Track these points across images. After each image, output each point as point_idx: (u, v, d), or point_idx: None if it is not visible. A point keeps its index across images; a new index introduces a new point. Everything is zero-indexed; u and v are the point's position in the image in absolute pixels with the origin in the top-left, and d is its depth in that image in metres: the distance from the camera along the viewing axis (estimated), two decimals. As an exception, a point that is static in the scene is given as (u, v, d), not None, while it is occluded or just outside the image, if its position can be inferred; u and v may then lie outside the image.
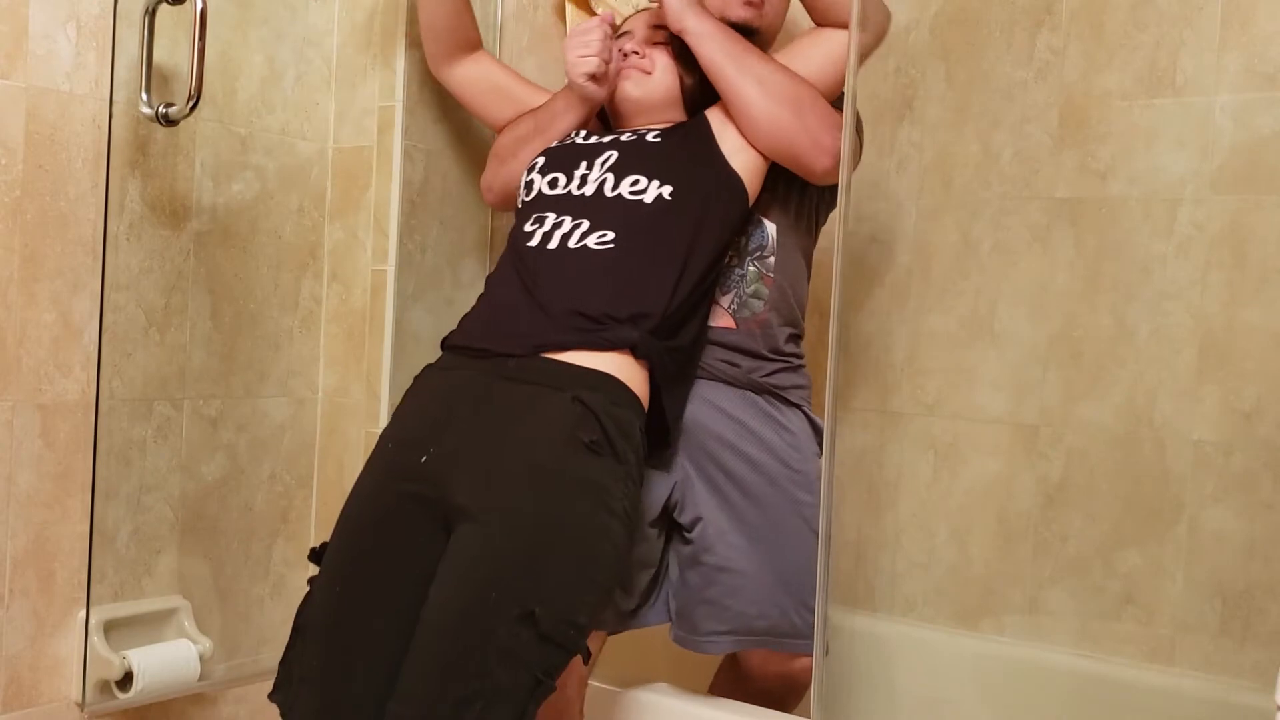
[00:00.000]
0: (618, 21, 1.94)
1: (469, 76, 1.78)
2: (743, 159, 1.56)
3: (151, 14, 1.52)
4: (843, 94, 1.58)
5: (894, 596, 2.21)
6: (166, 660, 1.56)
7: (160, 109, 1.54)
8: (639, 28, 1.69)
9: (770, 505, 1.61)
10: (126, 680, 1.52)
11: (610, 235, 1.45)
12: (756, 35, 1.75)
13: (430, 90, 1.87)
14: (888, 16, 1.70)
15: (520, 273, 1.47)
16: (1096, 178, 2.01)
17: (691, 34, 1.56)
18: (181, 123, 1.56)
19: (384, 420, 1.83)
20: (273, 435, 1.79)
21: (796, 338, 1.72)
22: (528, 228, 1.51)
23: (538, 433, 1.34)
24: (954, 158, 2.14)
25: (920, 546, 2.19)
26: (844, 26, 1.60)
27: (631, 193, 1.49)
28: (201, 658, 1.59)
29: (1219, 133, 1.90)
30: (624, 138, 1.58)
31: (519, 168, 1.66)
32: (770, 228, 1.66)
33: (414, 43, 1.83)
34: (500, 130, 1.77)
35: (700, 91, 1.62)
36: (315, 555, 1.42)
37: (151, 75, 1.54)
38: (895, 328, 2.21)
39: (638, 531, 1.45)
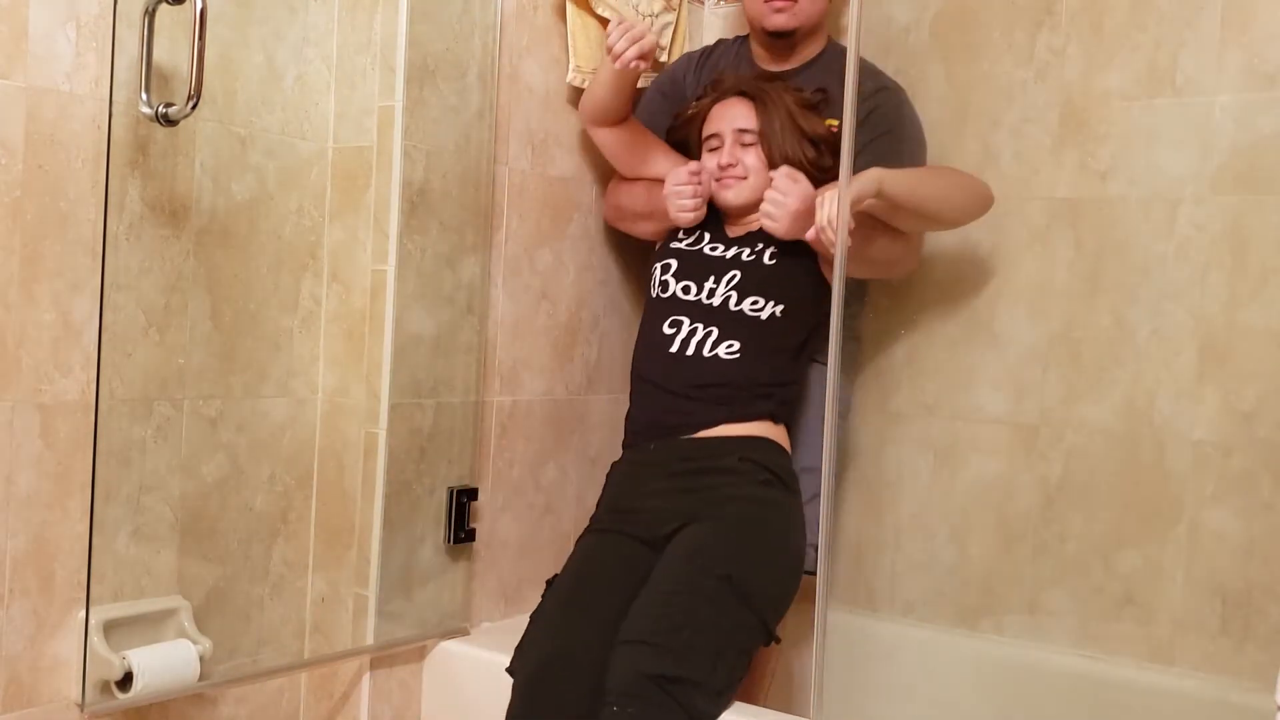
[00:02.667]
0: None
1: (611, 138, 2.02)
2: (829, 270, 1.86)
3: (151, 14, 1.52)
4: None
5: (894, 596, 2.21)
6: (166, 660, 1.55)
7: (160, 109, 1.53)
8: (725, 130, 1.91)
9: None
10: (126, 680, 1.51)
11: (736, 345, 1.82)
12: (794, 34, 2.04)
13: (430, 90, 1.87)
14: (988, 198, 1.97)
15: (665, 375, 1.85)
16: (1096, 178, 2.01)
17: (889, 193, 1.77)
18: (181, 123, 1.56)
19: (384, 420, 1.83)
20: (272, 435, 1.79)
21: None
22: (667, 329, 1.87)
23: (724, 480, 1.77)
24: (954, 158, 2.14)
25: (920, 547, 2.19)
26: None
27: (751, 310, 1.84)
28: (201, 658, 1.59)
29: (1219, 133, 1.91)
30: (745, 256, 1.87)
31: (639, 231, 2.09)
32: None
33: (414, 42, 1.83)
34: (622, 174, 2.09)
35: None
36: (549, 583, 1.77)
37: (151, 75, 1.53)
38: (895, 328, 2.21)
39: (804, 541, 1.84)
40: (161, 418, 1.62)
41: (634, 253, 2.26)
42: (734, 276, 1.85)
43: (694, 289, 1.87)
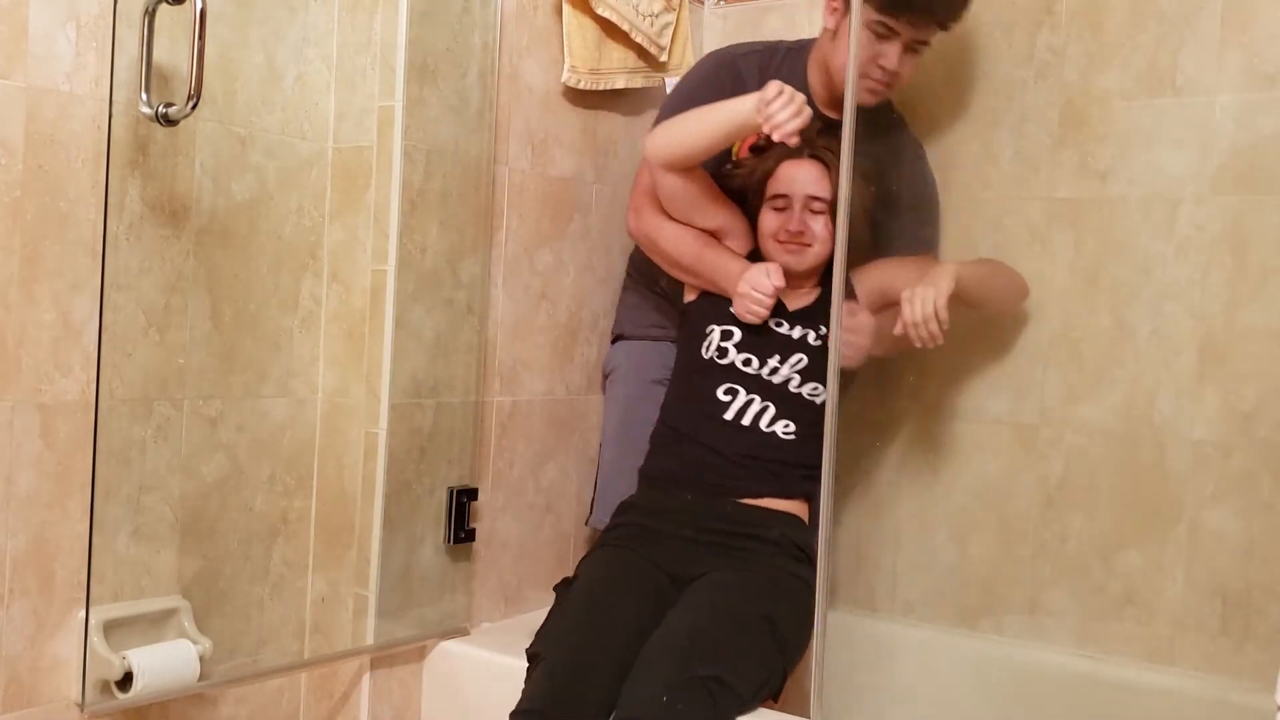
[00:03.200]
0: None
1: (680, 185, 1.92)
2: None
3: (151, 14, 1.52)
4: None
5: (894, 596, 2.21)
6: (166, 660, 1.55)
7: (160, 109, 1.53)
8: (796, 194, 1.88)
9: None
10: (126, 680, 1.51)
11: (793, 427, 1.87)
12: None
13: (430, 90, 1.87)
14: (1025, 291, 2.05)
15: (718, 440, 1.88)
16: (1096, 178, 2.01)
17: (962, 288, 1.83)
18: (181, 123, 1.56)
19: (384, 420, 1.83)
20: (272, 435, 1.79)
21: None
22: (722, 395, 1.89)
23: (763, 548, 1.82)
24: (954, 158, 2.14)
25: (920, 547, 2.19)
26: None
27: (810, 394, 1.88)
28: (201, 658, 1.59)
29: (1219, 133, 1.90)
30: (811, 340, 1.89)
31: (672, 273, 2.01)
32: None
33: (414, 42, 1.83)
34: (670, 213, 1.96)
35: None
36: (562, 584, 1.83)
37: (151, 75, 1.53)
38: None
39: None
40: (161, 418, 1.62)
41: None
42: (800, 360, 1.88)
43: (755, 363, 1.89)
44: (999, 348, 2.11)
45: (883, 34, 1.86)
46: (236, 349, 1.73)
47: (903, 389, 2.21)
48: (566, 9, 2.06)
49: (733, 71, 2.00)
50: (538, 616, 1.84)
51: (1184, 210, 1.93)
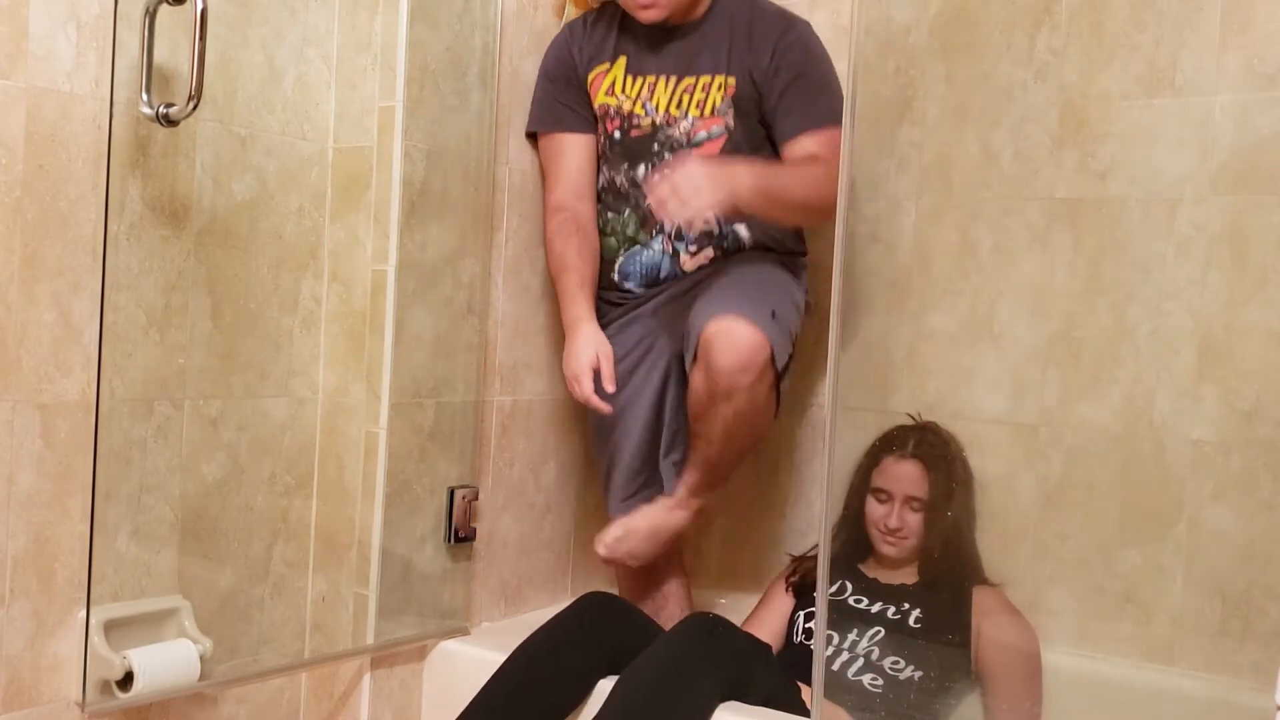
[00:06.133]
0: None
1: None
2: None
3: (151, 14, 1.52)
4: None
5: (894, 596, 2.21)
6: (167, 660, 1.55)
7: (160, 109, 1.53)
8: (896, 492, 1.95)
9: None
10: (127, 680, 1.51)
11: (881, 681, 1.85)
12: (668, 19, 1.92)
13: (430, 90, 1.87)
14: None
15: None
16: (1096, 178, 2.01)
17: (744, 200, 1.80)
18: (182, 123, 1.56)
19: (384, 420, 1.83)
20: (273, 435, 1.79)
21: None
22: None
23: None
24: (954, 158, 2.14)
25: (920, 546, 2.18)
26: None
27: (891, 669, 1.86)
28: (201, 658, 1.59)
29: (1219, 133, 1.91)
30: (891, 614, 1.92)
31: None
32: None
33: (414, 42, 1.83)
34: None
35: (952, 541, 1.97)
36: None
37: (151, 75, 1.53)
38: (895, 328, 2.21)
39: None
40: (162, 417, 1.62)
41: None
42: (877, 633, 1.90)
43: (836, 638, 1.92)
44: (999, 348, 2.11)
45: None
46: (237, 349, 1.73)
47: (903, 389, 2.21)
48: (570, 9, 2.06)
49: (553, 56, 2.05)
50: (538, 616, 1.84)
51: (1184, 210, 1.93)
